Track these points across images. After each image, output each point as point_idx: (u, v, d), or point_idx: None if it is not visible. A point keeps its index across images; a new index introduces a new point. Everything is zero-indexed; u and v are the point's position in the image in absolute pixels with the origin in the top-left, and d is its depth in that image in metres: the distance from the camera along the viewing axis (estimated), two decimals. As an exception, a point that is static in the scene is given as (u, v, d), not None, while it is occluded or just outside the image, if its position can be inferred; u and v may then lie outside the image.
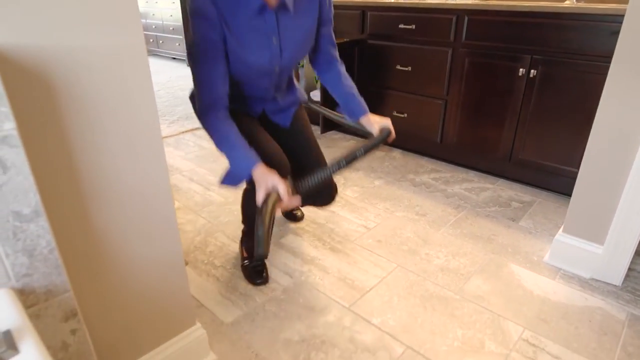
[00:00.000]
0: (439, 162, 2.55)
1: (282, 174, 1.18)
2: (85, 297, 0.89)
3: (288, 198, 1.08)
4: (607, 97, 1.35)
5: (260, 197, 1.08)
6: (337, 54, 1.42)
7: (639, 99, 1.29)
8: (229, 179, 1.19)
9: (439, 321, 1.36)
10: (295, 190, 1.12)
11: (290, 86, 1.45)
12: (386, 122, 1.34)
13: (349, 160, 1.18)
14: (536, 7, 1.91)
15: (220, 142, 1.17)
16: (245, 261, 1.58)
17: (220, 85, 1.17)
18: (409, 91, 2.49)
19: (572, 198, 1.53)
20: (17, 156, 0.61)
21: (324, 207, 1.51)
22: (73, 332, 0.79)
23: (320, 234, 1.82)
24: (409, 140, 2.67)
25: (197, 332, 1.14)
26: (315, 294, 1.48)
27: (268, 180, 1.09)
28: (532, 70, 1.98)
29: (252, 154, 1.15)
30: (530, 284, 1.53)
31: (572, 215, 1.55)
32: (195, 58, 1.14)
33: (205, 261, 1.65)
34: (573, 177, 2.01)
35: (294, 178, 1.27)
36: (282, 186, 1.08)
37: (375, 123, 1.35)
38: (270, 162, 1.19)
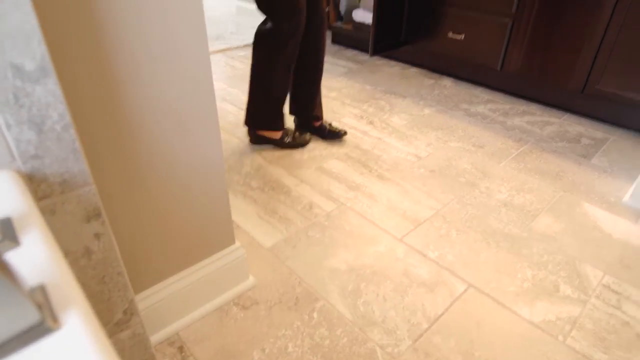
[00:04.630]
0: (496, 93, 2.27)
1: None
2: (110, 198, 0.75)
3: None
4: None
5: None
6: None
7: None
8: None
9: (505, 259, 1.19)
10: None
11: None
12: None
13: None
14: None
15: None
16: (287, 138, 1.68)
17: None
18: (469, 6, 2.17)
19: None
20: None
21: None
22: (97, 236, 0.65)
23: (366, 161, 1.64)
24: (464, 67, 2.39)
25: (237, 251, 1.01)
26: (363, 222, 1.32)
27: None
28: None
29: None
30: (609, 226, 1.33)
31: (670, 150, 1.31)
32: None
33: (241, 182, 1.50)
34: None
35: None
36: None
37: None
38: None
